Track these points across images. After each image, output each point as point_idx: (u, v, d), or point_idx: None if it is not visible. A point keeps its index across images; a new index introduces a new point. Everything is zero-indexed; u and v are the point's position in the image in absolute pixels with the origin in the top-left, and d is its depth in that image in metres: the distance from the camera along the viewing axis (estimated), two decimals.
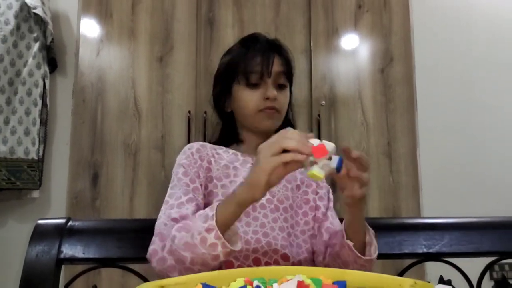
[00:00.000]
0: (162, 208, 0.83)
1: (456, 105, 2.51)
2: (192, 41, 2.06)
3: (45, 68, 2.05)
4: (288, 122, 1.00)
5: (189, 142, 1.96)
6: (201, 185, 0.87)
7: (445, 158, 2.44)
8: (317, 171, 0.62)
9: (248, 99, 0.91)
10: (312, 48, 2.14)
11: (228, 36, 2.08)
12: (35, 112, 1.99)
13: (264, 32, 1.00)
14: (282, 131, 0.68)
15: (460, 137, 2.49)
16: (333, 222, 0.91)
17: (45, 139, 2.04)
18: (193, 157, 0.89)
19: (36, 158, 1.98)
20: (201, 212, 0.73)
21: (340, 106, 2.14)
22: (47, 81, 2.06)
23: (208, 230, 0.67)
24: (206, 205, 0.85)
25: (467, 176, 2.46)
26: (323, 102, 2.11)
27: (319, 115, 2.09)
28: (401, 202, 2.08)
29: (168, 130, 2.01)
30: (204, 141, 0.97)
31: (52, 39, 2.07)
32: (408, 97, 2.18)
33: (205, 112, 1.99)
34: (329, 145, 0.64)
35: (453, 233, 0.93)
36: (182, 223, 0.74)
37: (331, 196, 0.97)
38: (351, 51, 2.20)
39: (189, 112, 2.00)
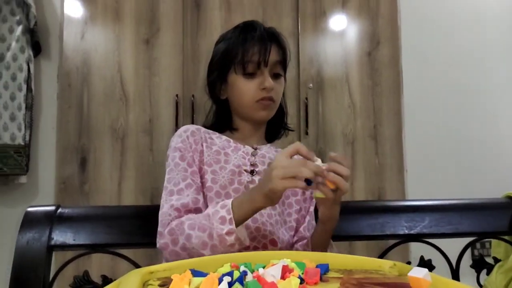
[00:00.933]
0: (163, 194, 0.86)
1: (441, 89, 2.54)
2: (179, 23, 2.04)
3: (29, 52, 2.01)
4: (281, 111, 1.02)
5: (177, 125, 1.96)
6: (196, 168, 0.89)
7: (430, 140, 2.49)
8: (319, 193, 0.75)
9: (245, 89, 0.91)
10: (299, 31, 2.14)
11: (215, 18, 2.05)
12: (20, 97, 1.97)
13: (251, 15, 0.99)
14: (295, 146, 0.72)
15: (444, 120, 2.53)
16: (306, 227, 0.94)
17: (31, 124, 2.02)
18: (188, 140, 0.90)
19: (22, 143, 1.96)
20: (213, 210, 0.76)
21: (327, 89, 2.15)
22: (31, 65, 2.02)
23: (228, 233, 0.74)
24: None
25: (451, 157, 2.51)
26: (311, 85, 2.12)
27: (306, 98, 2.10)
28: (386, 183, 2.13)
29: (155, 114, 2.00)
30: (192, 124, 0.98)
31: (36, 22, 2.03)
32: (394, 80, 2.20)
33: (193, 96, 1.98)
34: (320, 162, 0.73)
35: (433, 214, 0.96)
36: (193, 220, 0.78)
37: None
38: (339, 33, 2.20)
39: (177, 95, 2.00)
